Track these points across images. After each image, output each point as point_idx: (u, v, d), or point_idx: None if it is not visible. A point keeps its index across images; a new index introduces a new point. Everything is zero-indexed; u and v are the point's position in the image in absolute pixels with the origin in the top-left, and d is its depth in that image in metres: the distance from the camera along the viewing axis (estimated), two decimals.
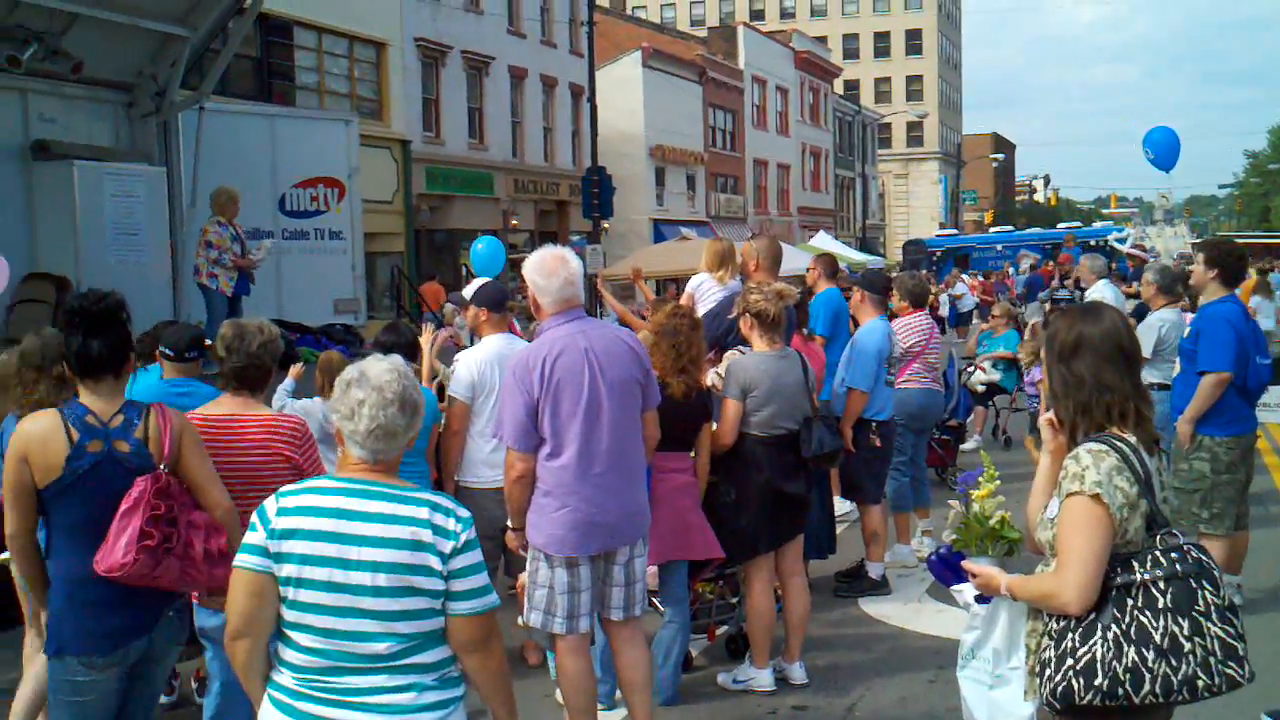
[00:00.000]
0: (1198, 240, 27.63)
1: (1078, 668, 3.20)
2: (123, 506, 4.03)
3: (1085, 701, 3.19)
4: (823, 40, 73.40)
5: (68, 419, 4.11)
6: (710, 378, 6.66)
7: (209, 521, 4.23)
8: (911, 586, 8.36)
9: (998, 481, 3.83)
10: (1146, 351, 8.95)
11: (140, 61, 14.24)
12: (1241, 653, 3.18)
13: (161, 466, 4.16)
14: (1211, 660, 3.14)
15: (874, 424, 8.09)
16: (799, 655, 6.55)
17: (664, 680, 6.15)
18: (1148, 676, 3.13)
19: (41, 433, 4.09)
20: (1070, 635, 3.24)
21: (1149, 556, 3.23)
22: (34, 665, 5.19)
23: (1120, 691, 3.15)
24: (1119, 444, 3.31)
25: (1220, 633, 3.16)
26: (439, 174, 30.41)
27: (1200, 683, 3.13)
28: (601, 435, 5.04)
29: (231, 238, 12.61)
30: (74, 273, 12.57)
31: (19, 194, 13.10)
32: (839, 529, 8.30)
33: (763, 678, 6.39)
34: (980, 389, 13.99)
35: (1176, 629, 3.15)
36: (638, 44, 43.20)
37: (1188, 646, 3.14)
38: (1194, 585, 3.19)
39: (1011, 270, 36.24)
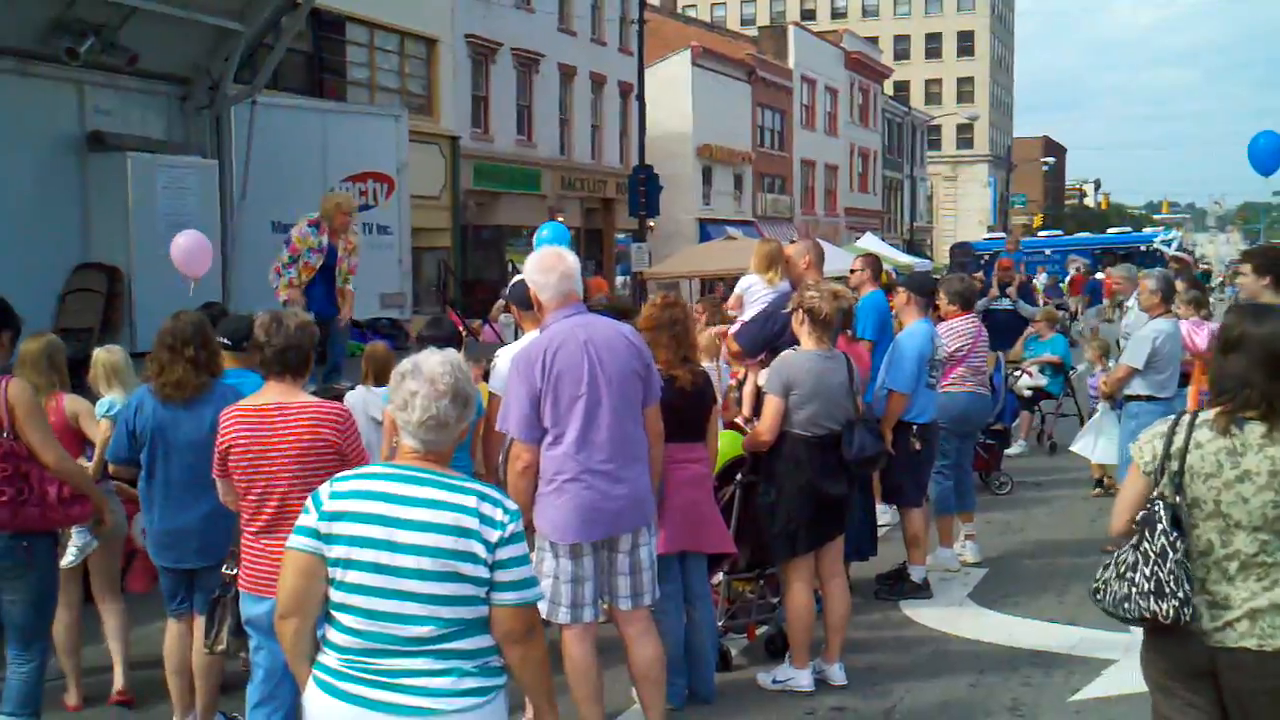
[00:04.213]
0: (1247, 247, 27.27)
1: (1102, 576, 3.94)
2: None
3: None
4: (874, 41, 73.03)
5: None
6: (761, 377, 6.66)
7: None
8: (953, 590, 8.32)
9: None
10: (1139, 362, 8.90)
11: (195, 55, 14.42)
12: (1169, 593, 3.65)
13: (4, 433, 4.93)
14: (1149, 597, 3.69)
15: (915, 427, 8.05)
16: (839, 656, 6.53)
17: (702, 678, 6.18)
18: (1106, 593, 3.87)
19: None
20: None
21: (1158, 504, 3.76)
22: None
23: (1098, 598, 3.95)
24: (1198, 419, 3.74)
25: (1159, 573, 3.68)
26: (486, 170, 30.51)
27: (1127, 605, 3.76)
28: (601, 425, 5.12)
29: (316, 246, 11.07)
30: (126, 263, 12.76)
31: (74, 184, 13.30)
32: (880, 532, 8.28)
33: (802, 678, 6.38)
34: (1026, 393, 13.89)
35: (1128, 558, 3.81)
36: (687, 43, 43.14)
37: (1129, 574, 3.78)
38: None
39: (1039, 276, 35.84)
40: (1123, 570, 3.82)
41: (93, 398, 6.46)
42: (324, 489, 3.32)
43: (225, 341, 5.81)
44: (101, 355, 6.57)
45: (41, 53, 12.64)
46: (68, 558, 5.86)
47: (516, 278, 6.88)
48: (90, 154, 13.40)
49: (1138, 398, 9.08)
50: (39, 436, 5.08)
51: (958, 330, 9.04)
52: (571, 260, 5.37)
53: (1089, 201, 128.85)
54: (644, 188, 28.39)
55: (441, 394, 3.26)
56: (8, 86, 12.64)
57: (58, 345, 6.34)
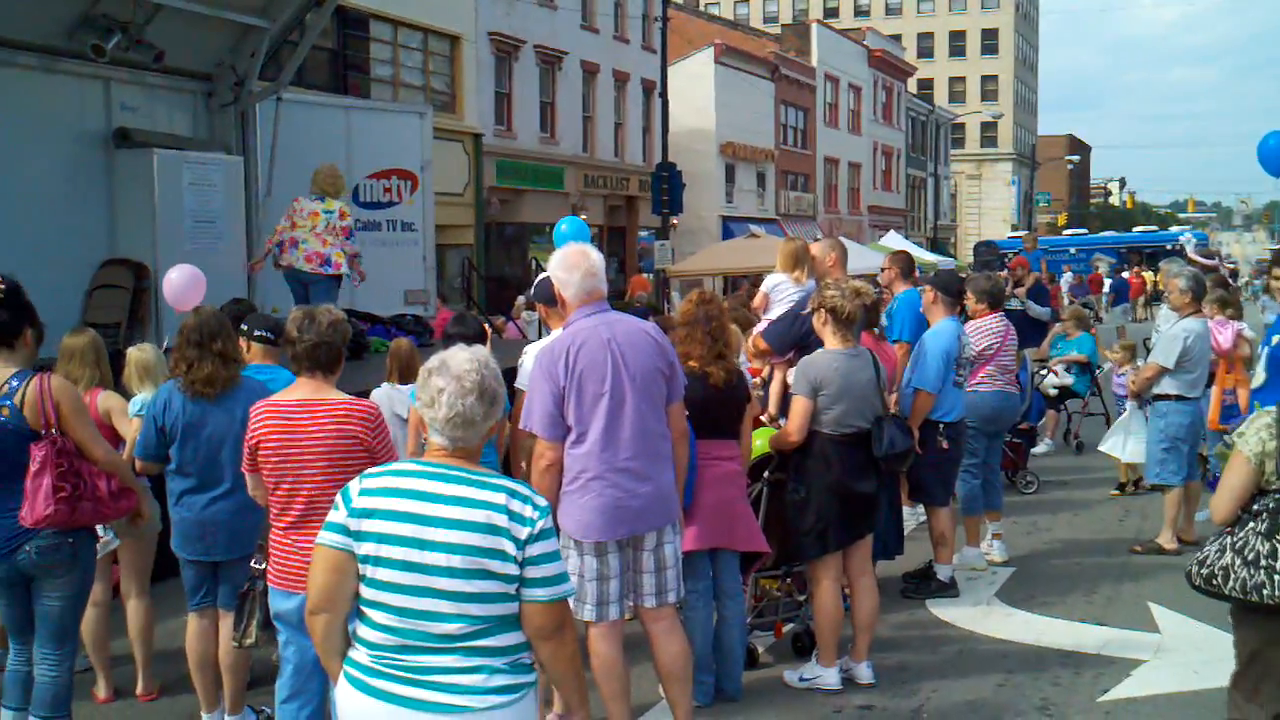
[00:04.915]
0: (1276, 247, 27.08)
1: (1200, 559, 4.62)
2: (32, 469, 4.83)
3: (1194, 584, 4.65)
4: (897, 39, 72.78)
5: None
6: (790, 376, 6.63)
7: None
8: (980, 589, 8.27)
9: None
10: (1169, 361, 8.84)
11: (220, 52, 14.44)
12: None
13: (53, 430, 4.88)
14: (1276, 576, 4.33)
15: (942, 425, 8.01)
16: (866, 655, 6.50)
17: (729, 676, 6.16)
18: (1232, 577, 4.43)
19: None
20: (1212, 541, 4.64)
21: (1271, 493, 4.40)
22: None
23: (1215, 582, 4.51)
24: None
25: None
26: (510, 167, 30.54)
27: (1265, 591, 4.34)
28: (625, 422, 5.09)
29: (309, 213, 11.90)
30: (152, 259, 12.76)
31: (101, 181, 13.33)
32: (906, 531, 8.23)
33: (829, 676, 6.35)
34: (1052, 392, 13.82)
35: (1261, 548, 4.37)
36: (710, 40, 43.12)
37: (1265, 562, 4.35)
38: None
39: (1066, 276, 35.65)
40: (1252, 557, 4.33)
41: (124, 395, 6.47)
42: (353, 485, 3.32)
43: (267, 335, 5.84)
44: (135, 354, 6.58)
45: (68, 49, 12.67)
46: None
47: (542, 275, 6.85)
48: (116, 150, 13.42)
49: (1166, 397, 9.02)
50: (87, 432, 5.07)
51: (986, 329, 8.97)
52: (596, 258, 5.36)
53: (1114, 200, 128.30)
54: (667, 185, 28.37)
55: (468, 391, 3.25)
56: (35, 83, 12.69)
57: (100, 340, 6.37)
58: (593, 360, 5.07)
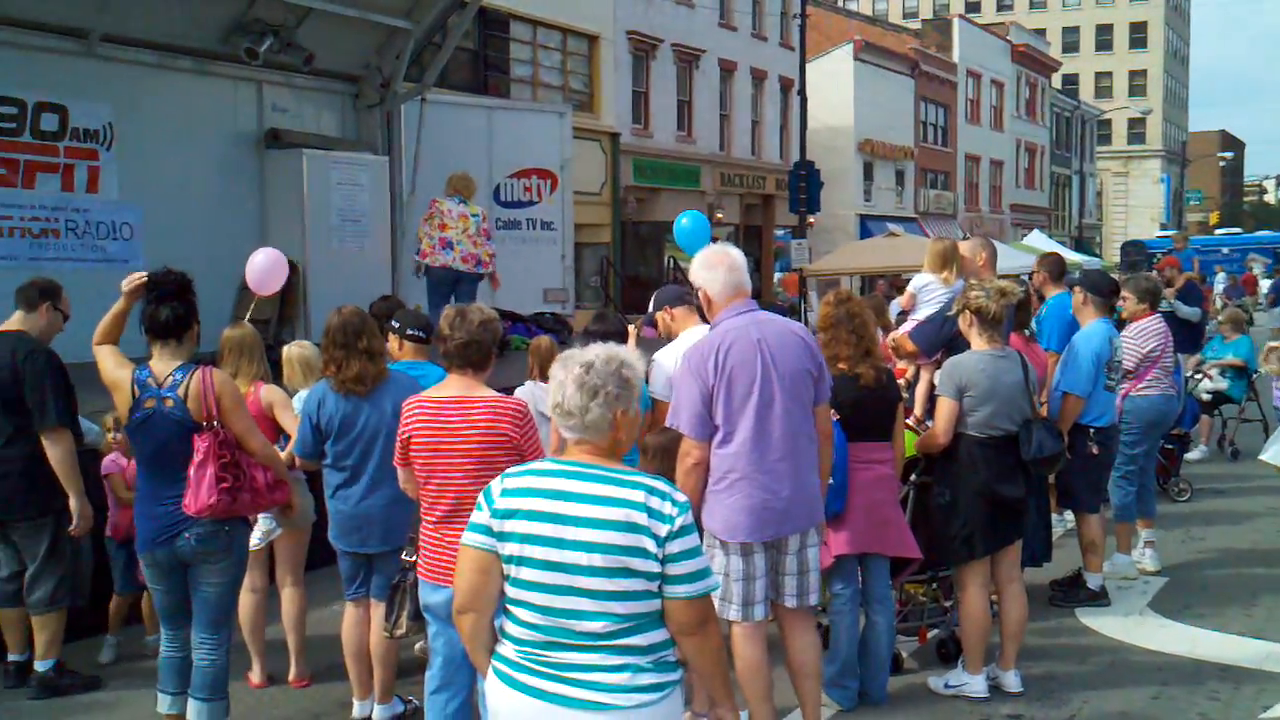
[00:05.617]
0: None
1: None
2: (195, 459, 5.01)
3: None
4: (1041, 33, 71.20)
5: (135, 378, 5.08)
6: (936, 378, 6.51)
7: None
8: (1132, 599, 8.02)
9: None
10: None
11: (367, 54, 14.78)
12: None
13: (215, 422, 5.06)
14: None
15: (1092, 430, 7.77)
16: (1014, 663, 6.35)
17: (875, 681, 6.08)
18: None
19: (123, 385, 5.11)
20: None
21: None
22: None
23: None
24: None
25: None
26: (646, 166, 30.64)
27: None
28: (774, 423, 5.05)
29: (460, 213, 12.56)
30: (301, 257, 13.10)
31: (253, 180, 13.76)
32: (1054, 537, 8.01)
33: (976, 684, 6.21)
34: (1206, 397, 13.32)
35: None
36: (849, 36, 42.72)
37: None
38: None
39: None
40: None
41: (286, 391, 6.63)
42: (495, 485, 3.34)
43: (419, 334, 5.95)
44: (295, 351, 6.73)
45: (223, 53, 13.10)
46: (253, 541, 6.02)
47: (665, 287, 6.80)
48: (267, 151, 13.84)
49: None
50: (245, 424, 5.23)
51: (1150, 330, 8.65)
52: (736, 254, 5.34)
53: (1269, 198, 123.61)
54: (804, 183, 28.16)
55: (569, 382, 3.27)
56: (192, 86, 13.13)
57: (258, 335, 6.56)
58: (743, 360, 5.04)
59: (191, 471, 5.02)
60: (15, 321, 6.35)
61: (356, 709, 5.91)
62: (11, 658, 6.53)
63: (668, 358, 6.29)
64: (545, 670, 3.23)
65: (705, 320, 5.76)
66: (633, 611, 3.19)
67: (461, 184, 12.71)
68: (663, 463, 5.25)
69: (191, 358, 5.26)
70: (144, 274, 5.24)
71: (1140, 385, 8.45)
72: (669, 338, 6.51)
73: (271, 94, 14.04)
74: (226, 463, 5.04)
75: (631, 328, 7.17)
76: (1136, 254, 45.06)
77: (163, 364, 5.13)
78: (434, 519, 4.79)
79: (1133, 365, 8.42)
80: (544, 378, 7.01)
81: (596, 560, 3.14)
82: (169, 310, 5.14)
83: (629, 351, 3.40)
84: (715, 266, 5.26)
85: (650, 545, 3.15)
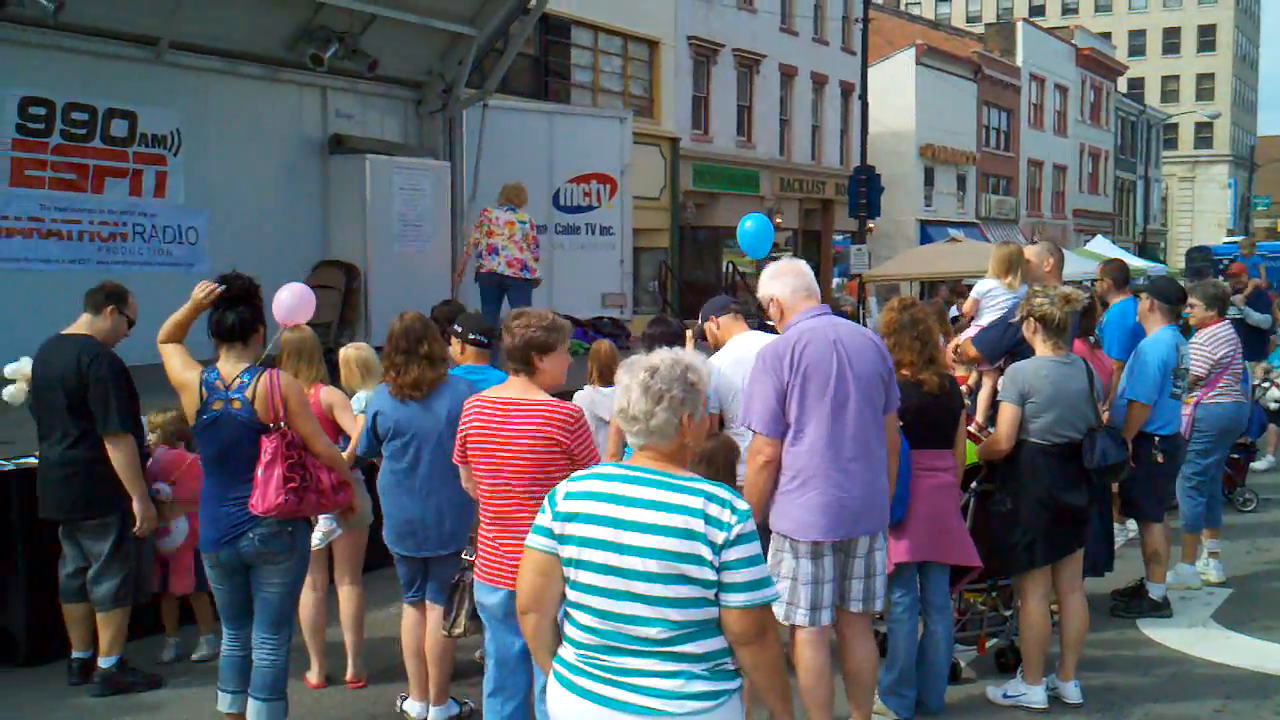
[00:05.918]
0: None
1: None
2: (263, 459, 5.06)
3: None
4: (1107, 37, 70.36)
5: (203, 380, 5.15)
6: (999, 384, 6.46)
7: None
8: (1195, 610, 7.90)
9: None
10: None
11: (430, 60, 14.92)
12: None
13: (281, 424, 5.11)
14: None
15: (1157, 439, 7.66)
16: (1074, 673, 6.27)
17: (932, 690, 6.03)
18: None
19: (190, 386, 5.18)
20: None
21: None
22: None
23: None
24: None
25: None
26: (705, 171, 30.62)
27: None
28: (847, 423, 5.05)
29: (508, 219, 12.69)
30: (363, 260, 13.27)
31: (316, 184, 13.94)
32: (1117, 546, 7.91)
33: (1035, 694, 6.14)
34: (1273, 406, 13.10)
35: None
36: (911, 41, 42.43)
37: None
38: None
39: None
40: None
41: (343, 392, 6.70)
42: (560, 489, 3.35)
43: (480, 339, 6.01)
44: (353, 353, 6.80)
45: (288, 60, 13.28)
46: (313, 542, 6.08)
47: (710, 299, 6.77)
48: (330, 156, 14.00)
49: None
50: (311, 426, 5.29)
51: (1220, 337, 8.53)
52: (799, 263, 5.43)
53: None
54: (864, 188, 28.03)
55: (634, 387, 3.27)
56: (257, 92, 13.33)
57: (317, 338, 6.64)
58: (819, 358, 5.05)
59: (259, 472, 5.07)
60: (81, 325, 6.44)
61: (414, 709, 5.94)
62: (75, 655, 6.63)
63: (717, 362, 6.29)
64: (602, 674, 3.23)
65: (764, 329, 5.75)
66: (688, 618, 3.17)
67: (513, 193, 12.89)
68: (705, 470, 5.22)
69: (257, 360, 5.34)
70: (219, 285, 5.30)
71: (1212, 393, 8.34)
72: (716, 348, 6.49)
73: (335, 100, 14.21)
74: (294, 463, 5.09)
75: (689, 331, 7.16)
76: (1202, 260, 44.22)
77: (230, 366, 5.20)
78: (488, 519, 4.82)
79: (1204, 372, 8.31)
80: (603, 382, 7.04)
81: (652, 566, 3.13)
82: (235, 315, 5.21)
83: (694, 356, 3.39)
84: (782, 275, 5.33)
85: (706, 552, 3.13)
